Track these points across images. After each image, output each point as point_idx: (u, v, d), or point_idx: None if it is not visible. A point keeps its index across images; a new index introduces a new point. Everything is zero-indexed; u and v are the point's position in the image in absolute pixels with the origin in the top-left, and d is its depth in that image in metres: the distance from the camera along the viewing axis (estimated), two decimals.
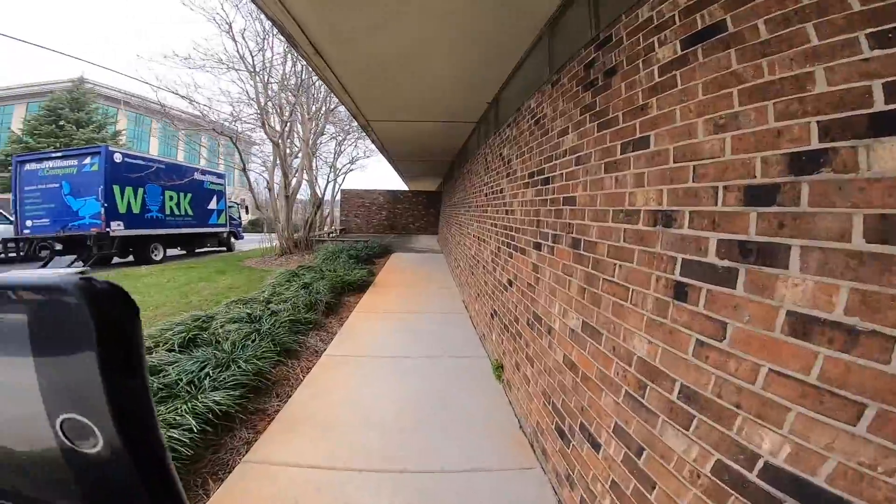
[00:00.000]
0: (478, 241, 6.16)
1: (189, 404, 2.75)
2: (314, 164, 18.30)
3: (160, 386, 2.95)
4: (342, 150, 21.83)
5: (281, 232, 11.87)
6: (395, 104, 6.81)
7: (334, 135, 19.50)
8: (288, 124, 11.14)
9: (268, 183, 11.91)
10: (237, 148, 11.29)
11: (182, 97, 10.39)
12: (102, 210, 11.82)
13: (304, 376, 3.86)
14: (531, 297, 3.03)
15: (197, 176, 15.79)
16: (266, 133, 10.98)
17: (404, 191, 23.17)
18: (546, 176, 2.86)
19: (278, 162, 11.49)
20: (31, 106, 33.48)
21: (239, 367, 3.32)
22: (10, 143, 28.08)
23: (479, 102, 6.23)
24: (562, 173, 2.53)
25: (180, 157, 28.75)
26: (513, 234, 3.72)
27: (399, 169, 17.92)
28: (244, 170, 11.75)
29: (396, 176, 21.42)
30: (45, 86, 34.98)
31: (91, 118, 32.19)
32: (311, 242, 12.49)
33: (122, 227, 12.32)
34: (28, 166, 12.33)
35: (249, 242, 18.10)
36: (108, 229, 11.84)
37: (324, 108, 12.63)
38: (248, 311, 4.72)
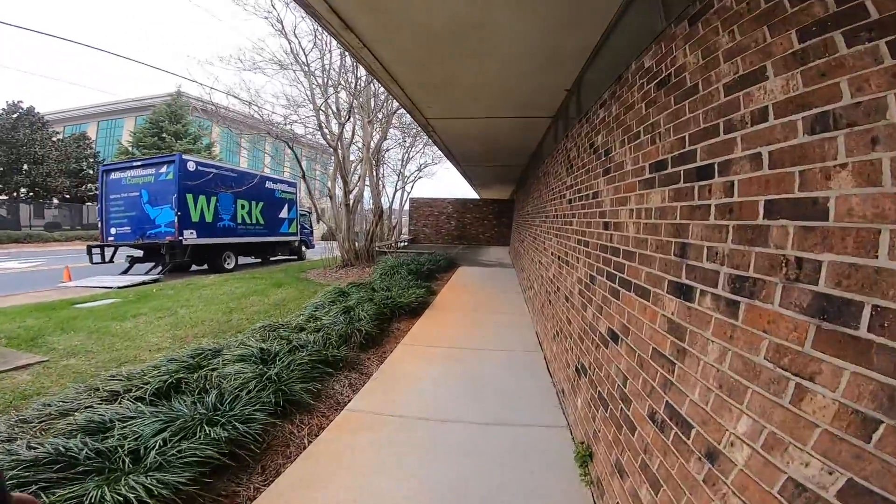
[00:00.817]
0: (557, 260, 4.86)
1: (100, 490, 1.81)
2: (380, 172, 17.96)
3: (90, 453, 2.06)
4: (410, 156, 21.40)
5: (342, 243, 11.30)
6: (455, 95, 5.76)
7: (400, 140, 19.01)
8: (347, 128, 10.54)
9: (329, 191, 11.42)
10: (294, 153, 10.90)
11: (243, 101, 10.10)
12: (176, 218, 12.03)
13: (308, 442, 2.83)
14: (663, 377, 1.73)
15: (268, 185, 15.94)
16: (323, 137, 10.47)
17: (474, 199, 22.14)
18: (701, 165, 1.57)
19: (338, 169, 10.96)
20: (139, 119, 37.17)
21: (207, 433, 2.35)
22: (119, 154, 31.19)
23: (555, 89, 5.00)
24: (757, 154, 1.23)
25: (266, 169, 30.25)
26: (618, 259, 2.43)
27: (468, 175, 16.91)
28: (303, 176, 11.36)
29: (466, 184, 20.47)
30: (150, 100, 38.94)
31: (188, 130, 35.09)
32: (373, 254, 11.79)
33: (195, 236, 12.49)
34: (113, 175, 12.96)
35: (324, 251, 18.07)
36: (180, 238, 12.02)
37: (385, 111, 11.95)
38: (264, 345, 3.81)
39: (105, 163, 15.50)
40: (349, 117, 10.60)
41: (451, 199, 21.66)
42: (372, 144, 11.97)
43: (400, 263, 9.72)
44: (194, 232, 12.48)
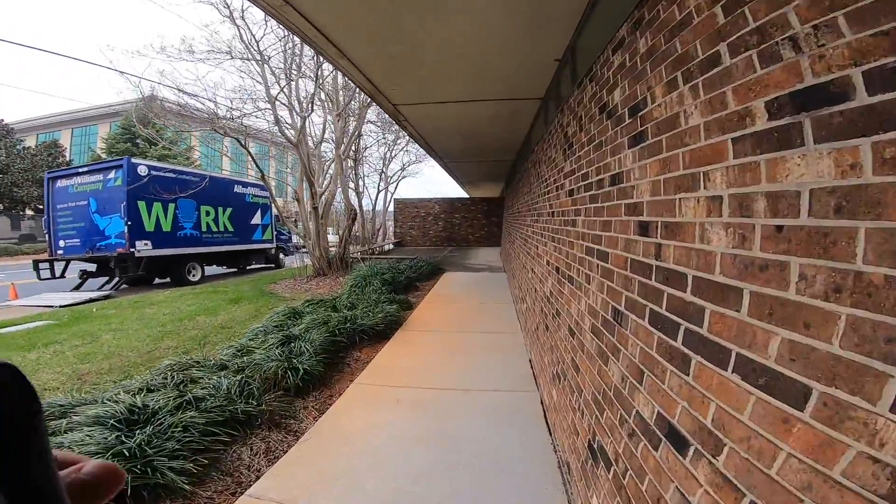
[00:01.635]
0: (555, 273, 3.75)
1: None
2: (360, 171, 16.78)
3: None
4: (392, 155, 20.24)
5: (311, 250, 10.11)
6: (422, 74, 4.69)
7: (381, 138, 17.85)
8: (316, 122, 9.34)
9: (295, 193, 10.22)
10: (247, 150, 9.66)
11: (186, 93, 8.86)
12: (126, 228, 10.78)
13: None
14: None
15: (237, 189, 14.71)
16: (282, 133, 9.27)
17: (462, 198, 21.02)
18: None
19: (303, 169, 9.76)
20: (114, 126, 35.64)
21: None
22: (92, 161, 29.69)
23: (543, 62, 3.91)
24: None
25: (270, 175, 28.97)
26: (683, 295, 1.29)
27: (454, 173, 15.78)
28: (263, 177, 10.15)
29: (454, 183, 19.36)
30: (124, 105, 37.32)
31: (161, 135, 33.67)
32: (349, 262, 10.59)
33: (150, 247, 11.24)
34: (59, 183, 11.67)
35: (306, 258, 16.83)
36: (132, 249, 10.77)
37: (358, 102, 10.77)
38: (139, 400, 2.64)
39: (49, 170, 14.12)
40: (311, 109, 9.41)
41: (438, 199, 20.53)
42: (345, 141, 10.80)
43: (375, 272, 8.55)
44: (149, 242, 11.23)
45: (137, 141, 32.24)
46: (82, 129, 42.89)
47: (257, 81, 10.38)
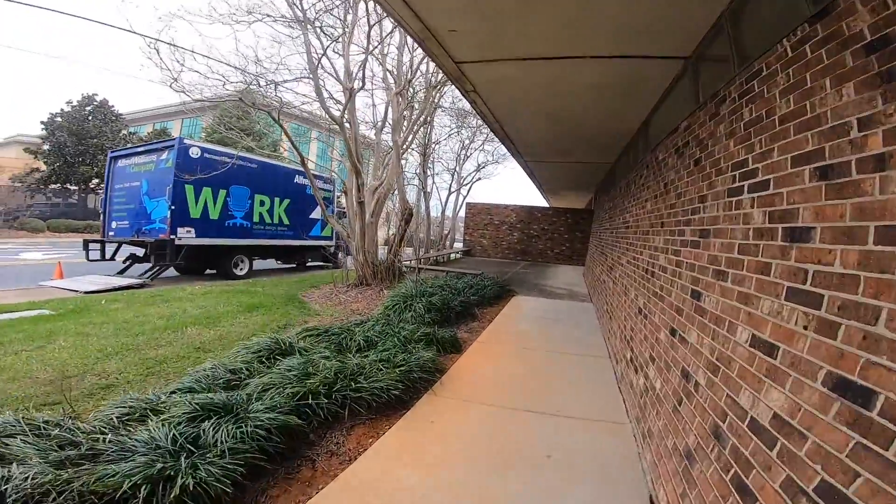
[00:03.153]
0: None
1: None
2: (428, 168, 15.03)
3: None
4: (468, 154, 18.36)
5: (356, 254, 8.45)
6: (499, 7, 2.68)
7: (453, 132, 16.02)
8: (371, 105, 7.64)
9: (344, 185, 8.61)
10: (280, 125, 8.16)
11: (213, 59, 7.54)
12: (169, 213, 9.93)
13: None
14: None
15: (298, 179, 13.65)
16: (324, 108, 7.67)
17: (542, 207, 18.55)
18: None
19: (350, 153, 8.10)
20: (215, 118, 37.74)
21: None
22: None
23: None
24: None
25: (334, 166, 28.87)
26: None
27: (535, 176, 13.49)
28: (303, 162, 8.66)
29: (533, 189, 17.03)
30: (228, 98, 39.32)
31: (253, 126, 34.91)
32: (398, 270, 8.78)
33: (193, 235, 10.32)
34: (120, 162, 11.22)
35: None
36: (172, 236, 9.88)
37: (426, 79, 8.98)
38: None
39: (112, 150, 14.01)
40: (363, 83, 7.77)
41: (514, 205, 18.27)
42: (404, 126, 9.08)
43: (423, 291, 6.61)
44: (192, 230, 10.32)
45: (231, 132, 33.71)
46: (191, 119, 46.36)
47: (299, 51, 8.86)
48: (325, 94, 8.06)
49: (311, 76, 7.39)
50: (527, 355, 5.03)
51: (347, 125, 8.07)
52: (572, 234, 17.44)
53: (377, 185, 8.84)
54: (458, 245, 20.62)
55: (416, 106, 9.69)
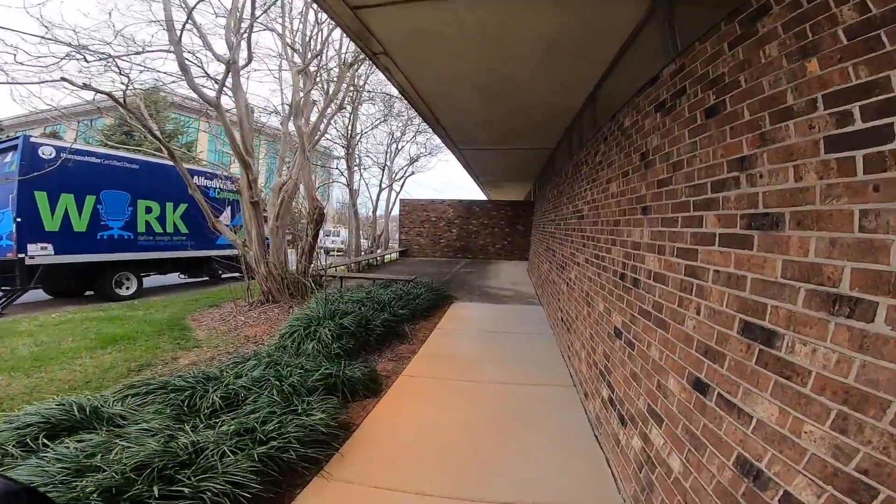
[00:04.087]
0: None
1: None
2: (352, 161, 13.41)
3: None
4: (398, 146, 17.01)
5: (255, 265, 6.85)
6: None
7: (379, 119, 14.60)
8: (235, 60, 6.03)
9: (235, 182, 6.89)
10: (124, 108, 6.33)
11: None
12: (14, 227, 7.75)
13: None
14: None
15: (198, 181, 11.59)
16: (191, 87, 6.02)
17: (482, 201, 17.58)
18: None
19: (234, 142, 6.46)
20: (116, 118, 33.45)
21: None
22: None
23: None
24: None
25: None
26: None
27: (472, 168, 12.42)
28: (171, 155, 6.92)
29: (471, 183, 16.02)
30: (129, 96, 34.97)
31: (162, 127, 31.20)
32: (314, 282, 7.24)
33: (51, 252, 8.19)
34: None
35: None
36: (21, 255, 7.73)
37: (339, 57, 7.53)
38: None
39: None
40: (249, 58, 6.19)
41: (451, 200, 17.15)
42: (315, 111, 7.60)
43: (335, 310, 5.22)
44: (49, 246, 8.18)
45: (134, 134, 29.87)
46: (89, 121, 41.01)
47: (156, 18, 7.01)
48: (207, 75, 6.39)
49: (173, 46, 5.68)
50: (471, 392, 3.81)
51: (232, 107, 6.45)
52: (513, 228, 16.62)
53: (282, 183, 7.28)
54: (394, 247, 19.22)
55: (330, 88, 8.18)
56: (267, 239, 7.23)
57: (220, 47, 6.34)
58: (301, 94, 7.05)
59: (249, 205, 6.74)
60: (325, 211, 7.29)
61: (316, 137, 8.10)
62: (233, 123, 6.87)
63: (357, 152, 15.06)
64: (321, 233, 9.11)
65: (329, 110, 9.30)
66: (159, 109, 31.71)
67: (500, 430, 3.11)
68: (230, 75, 6.32)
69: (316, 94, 8.41)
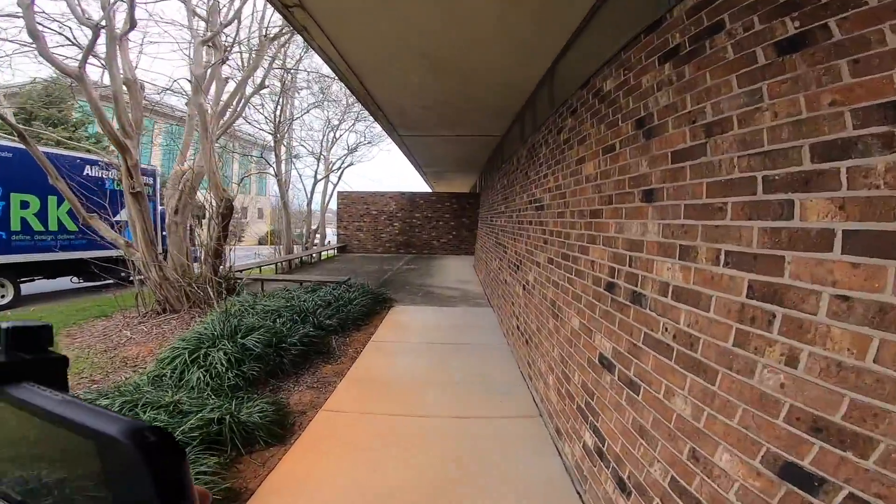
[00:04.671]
0: None
1: None
2: (280, 150, 11.96)
3: None
4: (336, 135, 15.72)
5: (144, 269, 5.56)
6: None
7: (313, 104, 13.32)
8: (107, 25, 4.75)
9: (128, 171, 5.48)
10: None
11: None
12: None
13: None
14: None
15: (90, 171, 9.81)
16: (42, 54, 4.67)
17: (425, 193, 16.71)
18: None
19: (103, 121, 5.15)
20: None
21: None
22: None
23: None
24: None
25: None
26: None
27: (414, 155, 11.47)
28: (23, 137, 5.48)
29: (416, 173, 15.09)
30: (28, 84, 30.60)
31: (65, 116, 27.55)
32: (224, 287, 6.02)
33: None
34: None
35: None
36: None
37: (257, 26, 6.35)
38: None
39: None
40: (131, 24, 4.90)
41: (393, 192, 16.14)
42: (226, 90, 6.38)
43: (241, 324, 4.17)
44: None
45: (32, 122, 26.03)
46: None
47: None
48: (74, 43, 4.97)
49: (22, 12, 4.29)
50: (412, 434, 2.97)
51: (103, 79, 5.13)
52: (458, 221, 15.93)
53: (182, 171, 5.99)
54: (331, 242, 17.91)
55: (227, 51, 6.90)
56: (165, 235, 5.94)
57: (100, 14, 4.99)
58: (204, 68, 5.79)
59: (130, 196, 5.43)
60: (233, 203, 6.09)
61: (226, 119, 6.83)
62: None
63: (287, 140, 13.63)
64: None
65: (249, 89, 8.03)
66: (63, 98, 28.17)
67: (454, 496, 2.29)
68: (105, 44, 4.98)
69: (231, 71, 7.14)
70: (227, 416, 2.71)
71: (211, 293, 5.36)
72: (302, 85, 13.56)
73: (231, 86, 7.16)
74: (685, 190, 1.51)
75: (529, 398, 3.48)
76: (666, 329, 1.55)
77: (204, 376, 3.26)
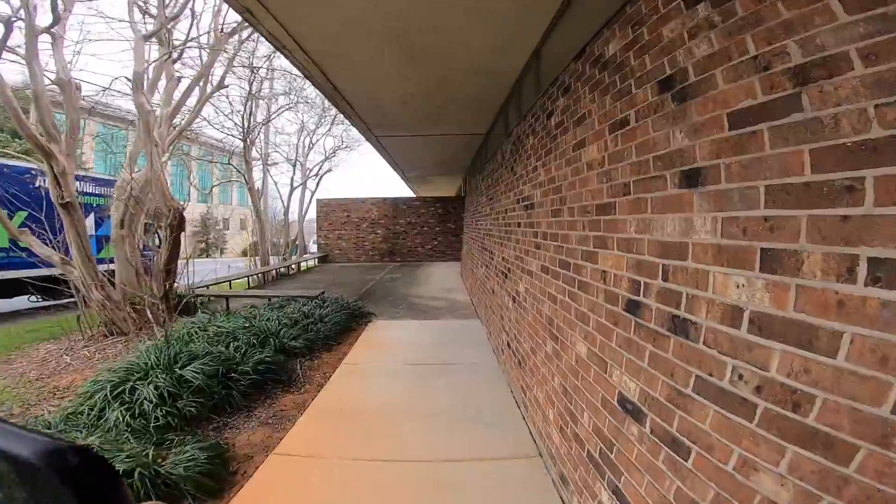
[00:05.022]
0: None
1: None
2: (250, 156, 11.24)
3: None
4: (312, 140, 15.10)
5: (84, 290, 4.88)
6: None
7: (284, 107, 12.71)
8: (24, 18, 4.17)
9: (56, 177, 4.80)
10: None
11: None
12: None
13: None
14: None
15: (43, 182, 9.05)
16: None
17: (409, 198, 16.14)
18: None
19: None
20: None
21: None
22: None
23: None
24: None
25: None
26: None
27: (393, 157, 10.90)
28: None
29: (398, 178, 14.53)
30: None
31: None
32: (180, 305, 5.37)
33: None
34: None
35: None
36: None
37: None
38: None
39: None
40: (55, 19, 4.31)
41: (375, 198, 15.55)
42: (178, 90, 5.76)
43: (183, 350, 3.55)
44: None
45: None
46: None
47: None
48: None
49: None
50: (385, 487, 2.40)
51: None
52: (444, 227, 15.39)
53: (129, 180, 5.35)
54: (312, 252, 17.21)
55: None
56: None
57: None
58: (147, 65, 5.18)
59: (61, 207, 4.77)
60: (183, 213, 5.44)
61: (175, 121, 6.20)
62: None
63: (262, 146, 12.98)
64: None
65: (210, 88, 7.42)
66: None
67: None
68: (25, 40, 4.36)
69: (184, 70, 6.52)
70: (138, 469, 2.12)
71: (157, 314, 4.71)
72: (279, 90, 12.96)
73: (187, 85, 6.53)
74: (764, 164, 0.98)
75: (525, 431, 2.94)
76: (739, 376, 1.02)
77: (124, 416, 2.65)
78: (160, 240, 5.38)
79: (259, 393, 3.57)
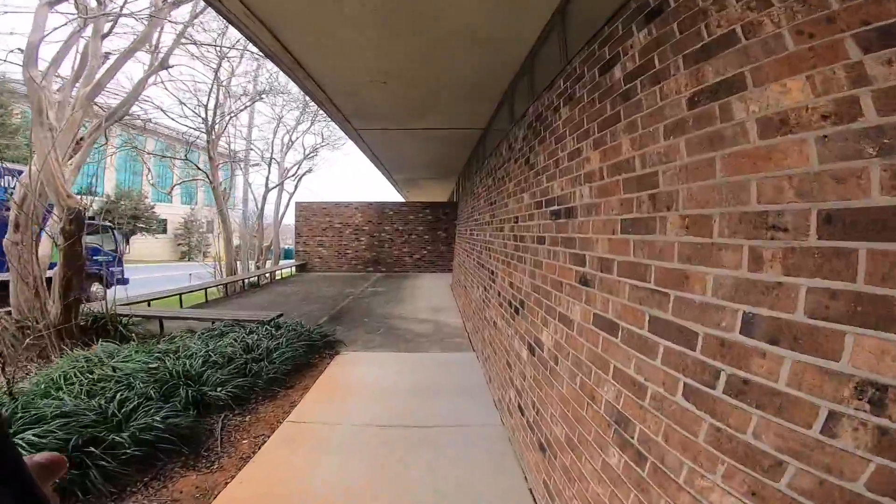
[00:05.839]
0: None
1: None
2: (213, 152, 9.91)
3: None
4: (292, 138, 13.91)
5: None
6: None
7: (256, 97, 11.50)
8: None
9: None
10: None
11: None
12: None
13: None
14: None
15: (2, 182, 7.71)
16: None
17: (396, 203, 14.95)
18: None
19: None
20: None
21: None
22: None
23: None
24: None
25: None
26: None
27: (377, 155, 9.72)
28: None
29: (385, 180, 13.39)
30: None
31: (8, 121, 24.85)
32: (105, 326, 4.16)
33: None
34: None
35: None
36: None
37: None
38: None
39: None
40: None
41: (359, 203, 14.34)
42: (89, 66, 4.60)
43: (14, 411, 2.33)
44: None
45: None
46: None
47: None
48: None
49: None
50: None
51: None
52: (434, 234, 14.21)
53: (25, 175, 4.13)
54: (288, 260, 15.92)
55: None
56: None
57: None
58: (44, 33, 4.00)
59: None
60: (82, 214, 4.21)
61: (113, 105, 5.00)
62: None
63: (229, 143, 11.76)
64: None
65: (143, 69, 6.22)
66: (3, 104, 25.43)
67: None
68: None
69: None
70: None
71: (71, 333, 3.48)
72: (264, 87, 11.78)
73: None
74: None
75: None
76: None
77: None
78: (57, 247, 4.14)
79: (144, 471, 2.37)
